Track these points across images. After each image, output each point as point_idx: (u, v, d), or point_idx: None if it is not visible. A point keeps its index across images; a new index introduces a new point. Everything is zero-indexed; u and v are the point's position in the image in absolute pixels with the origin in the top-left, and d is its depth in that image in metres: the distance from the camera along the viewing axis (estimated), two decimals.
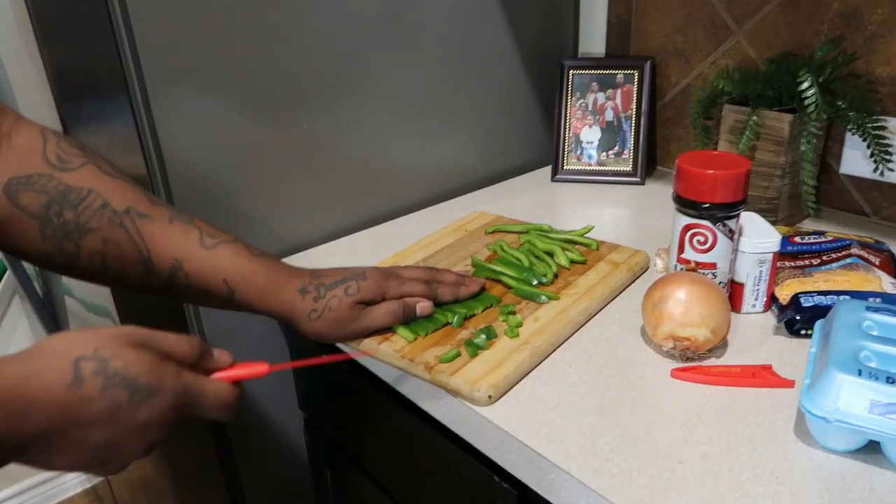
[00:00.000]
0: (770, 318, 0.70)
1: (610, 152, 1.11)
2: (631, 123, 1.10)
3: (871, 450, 0.51)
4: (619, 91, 1.11)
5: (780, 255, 0.73)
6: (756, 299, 0.71)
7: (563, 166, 1.13)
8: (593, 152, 1.12)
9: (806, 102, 0.82)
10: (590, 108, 1.12)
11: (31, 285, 1.46)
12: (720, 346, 0.65)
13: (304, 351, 0.87)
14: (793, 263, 0.75)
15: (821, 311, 0.64)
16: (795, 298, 0.67)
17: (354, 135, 0.95)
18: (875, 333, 0.56)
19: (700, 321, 0.61)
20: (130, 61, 0.74)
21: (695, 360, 0.63)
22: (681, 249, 0.69)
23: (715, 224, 0.66)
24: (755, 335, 0.68)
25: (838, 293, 0.67)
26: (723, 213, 0.65)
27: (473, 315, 0.70)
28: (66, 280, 1.36)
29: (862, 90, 0.86)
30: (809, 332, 0.65)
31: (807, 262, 0.75)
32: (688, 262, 0.69)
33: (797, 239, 0.78)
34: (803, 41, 0.92)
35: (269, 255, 0.65)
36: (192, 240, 0.61)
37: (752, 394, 0.59)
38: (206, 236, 0.61)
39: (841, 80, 0.87)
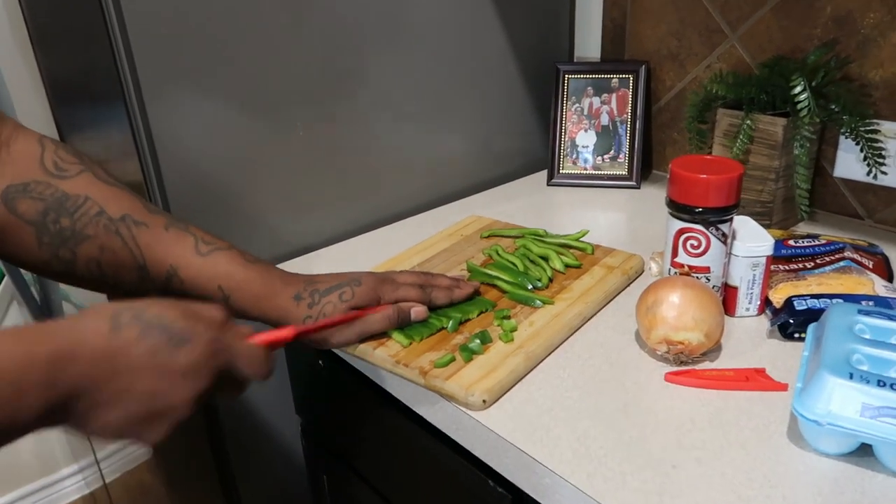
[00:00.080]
0: (764, 322, 0.71)
1: (605, 156, 1.12)
2: (626, 127, 1.11)
3: (863, 453, 0.52)
4: (614, 95, 1.11)
5: (774, 259, 0.73)
6: (750, 303, 0.71)
7: (558, 170, 1.13)
8: (589, 156, 1.12)
9: (799, 106, 0.83)
10: (585, 112, 1.12)
11: (29, 291, 1.46)
12: (714, 350, 0.66)
13: (300, 355, 0.87)
14: (786, 267, 0.75)
15: (814, 315, 0.65)
16: (789, 302, 0.68)
17: (350, 140, 0.95)
18: (867, 337, 0.56)
19: (693, 325, 0.62)
20: (126, 67, 0.74)
21: (689, 363, 0.64)
22: (674, 253, 0.69)
23: (708, 228, 0.66)
24: (749, 339, 0.68)
25: (831, 296, 0.67)
26: (716, 217, 0.66)
27: (468, 320, 0.70)
28: (63, 286, 1.36)
29: (855, 94, 0.87)
30: (803, 335, 0.65)
31: (800, 265, 0.75)
32: (681, 266, 0.69)
33: (791, 242, 0.78)
34: (797, 45, 0.93)
35: (264, 262, 0.65)
36: (187, 247, 0.61)
37: (745, 397, 0.59)
38: (201, 243, 0.62)
39: (834, 83, 0.87)
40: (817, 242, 0.78)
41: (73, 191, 0.57)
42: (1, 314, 1.54)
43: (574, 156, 1.13)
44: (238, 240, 0.68)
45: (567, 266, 0.80)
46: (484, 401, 0.59)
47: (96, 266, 0.59)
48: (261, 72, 0.83)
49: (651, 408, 0.59)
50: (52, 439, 1.58)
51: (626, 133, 1.11)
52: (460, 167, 1.12)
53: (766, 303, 0.71)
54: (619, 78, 1.10)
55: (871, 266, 0.75)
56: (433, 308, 0.70)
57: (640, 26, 1.11)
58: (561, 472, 0.52)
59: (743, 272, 0.69)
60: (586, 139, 1.12)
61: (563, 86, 1.13)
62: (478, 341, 0.65)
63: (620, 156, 1.11)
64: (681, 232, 0.68)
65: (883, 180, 0.88)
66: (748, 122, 0.87)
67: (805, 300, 0.67)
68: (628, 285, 0.79)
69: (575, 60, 1.23)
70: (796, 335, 0.67)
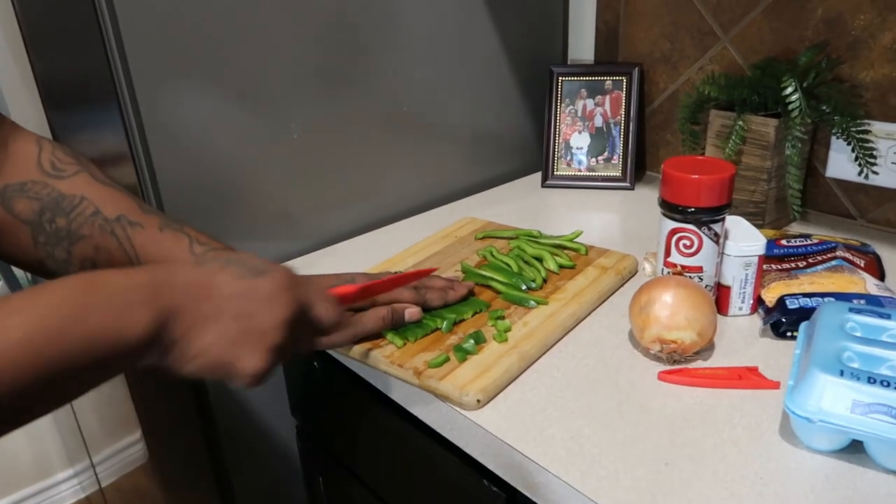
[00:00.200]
0: (756, 321, 0.71)
1: (599, 158, 1.12)
2: (620, 129, 1.11)
3: (854, 449, 0.52)
4: (607, 97, 1.12)
5: (767, 258, 0.74)
6: (743, 302, 0.71)
7: (553, 172, 1.14)
8: (583, 158, 1.13)
9: (790, 107, 0.83)
10: (579, 114, 1.13)
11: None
12: (707, 349, 0.66)
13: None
14: (779, 266, 0.76)
15: (806, 314, 0.65)
16: (781, 301, 0.68)
17: (345, 142, 0.95)
18: (858, 334, 0.57)
19: (686, 324, 0.62)
20: (120, 68, 0.74)
21: (682, 362, 0.64)
22: (667, 253, 0.70)
23: (700, 228, 0.67)
24: (742, 337, 0.69)
25: (823, 295, 0.67)
26: (708, 217, 0.66)
27: (463, 320, 0.70)
28: None
29: (846, 94, 0.87)
30: (795, 333, 0.66)
31: (793, 264, 0.75)
32: (674, 265, 0.70)
33: (784, 242, 0.79)
34: (788, 47, 0.93)
35: None
36: (181, 247, 0.61)
37: (738, 395, 0.60)
38: (196, 244, 0.62)
39: (825, 84, 0.88)
40: (809, 242, 0.78)
41: (69, 191, 0.58)
42: None
43: (568, 157, 1.13)
44: (232, 242, 0.68)
45: (561, 267, 0.80)
46: (478, 400, 0.59)
47: (91, 266, 0.59)
48: (256, 74, 0.83)
49: (644, 406, 0.59)
50: (47, 443, 1.57)
51: (620, 135, 1.11)
52: (455, 169, 1.12)
53: (758, 302, 0.72)
54: (612, 80, 1.11)
55: (862, 265, 0.75)
56: (427, 309, 0.70)
57: (634, 29, 1.12)
58: (555, 471, 0.52)
59: (735, 271, 0.70)
60: (580, 141, 1.13)
61: (557, 88, 1.13)
62: (472, 341, 0.65)
63: (614, 157, 1.12)
64: (673, 232, 0.68)
65: (874, 180, 0.89)
66: (740, 123, 0.87)
67: (797, 299, 0.67)
68: (622, 285, 0.80)
69: (569, 63, 1.23)
70: (788, 334, 0.67)
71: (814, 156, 0.94)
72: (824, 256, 0.75)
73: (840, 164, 0.92)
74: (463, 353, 0.64)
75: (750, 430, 0.55)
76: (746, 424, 0.56)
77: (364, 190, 1.00)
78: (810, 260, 0.75)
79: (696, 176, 0.65)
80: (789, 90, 0.83)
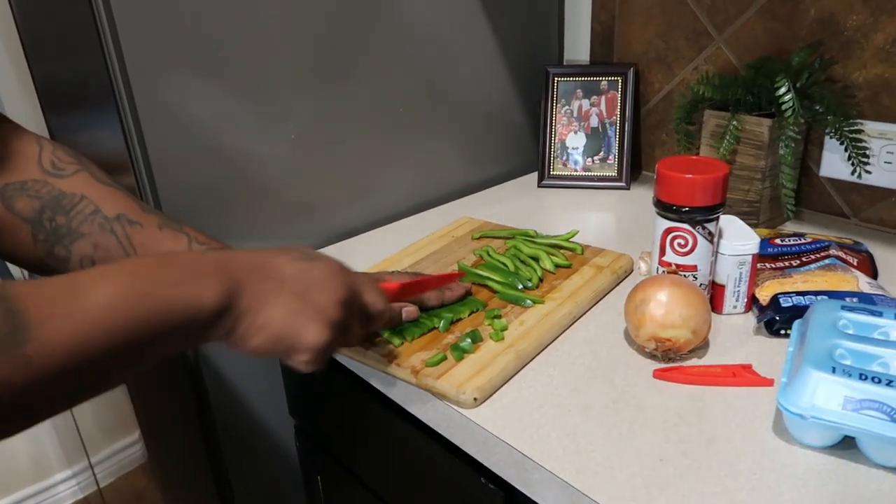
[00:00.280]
0: (751, 319, 0.72)
1: (595, 158, 1.13)
2: (615, 129, 1.12)
3: (846, 445, 0.53)
4: (603, 97, 1.12)
5: (761, 257, 0.75)
6: (737, 300, 0.72)
7: (549, 172, 1.15)
8: (579, 158, 1.14)
9: (783, 107, 0.84)
10: (575, 114, 1.13)
11: None
12: (701, 347, 0.67)
13: None
14: (773, 265, 0.76)
15: (799, 312, 0.66)
16: (775, 299, 0.69)
17: (342, 143, 0.96)
18: (850, 332, 0.57)
19: (681, 322, 0.62)
20: (118, 72, 0.74)
21: (676, 360, 0.65)
22: (662, 252, 0.70)
23: (694, 227, 0.67)
24: (736, 335, 0.69)
25: (816, 293, 0.68)
26: (702, 216, 0.67)
27: (459, 319, 0.71)
28: None
29: (839, 94, 0.88)
30: (789, 331, 0.66)
31: (786, 263, 0.76)
32: (669, 264, 0.70)
33: (778, 241, 0.80)
34: (782, 47, 0.94)
35: None
36: (180, 246, 0.61)
37: (732, 393, 0.60)
38: (195, 243, 0.62)
39: (818, 84, 0.88)
40: (803, 241, 0.79)
41: (69, 189, 0.58)
42: None
43: (564, 157, 1.14)
44: (230, 242, 0.69)
45: (557, 266, 0.81)
46: (475, 399, 0.60)
47: (90, 264, 0.59)
48: (254, 75, 0.84)
49: (639, 404, 0.60)
50: (46, 443, 1.58)
51: (616, 135, 1.12)
52: (452, 169, 1.13)
53: (752, 300, 0.72)
54: (607, 80, 1.12)
55: (855, 263, 0.76)
56: (425, 309, 0.70)
57: (629, 29, 1.12)
58: (550, 468, 0.53)
59: (730, 270, 0.71)
60: (576, 141, 1.13)
61: (553, 88, 1.14)
62: (469, 340, 0.66)
63: (610, 157, 1.12)
64: (668, 231, 0.69)
65: (867, 179, 0.89)
66: (734, 122, 0.88)
67: (791, 297, 0.68)
68: (618, 284, 0.80)
69: (564, 63, 1.24)
70: (782, 332, 0.68)
71: (807, 155, 0.95)
72: (818, 255, 0.76)
73: (833, 163, 0.93)
74: (460, 352, 0.65)
75: (744, 427, 0.56)
76: (740, 421, 0.57)
77: (362, 190, 1.00)
78: (804, 258, 0.76)
79: (690, 176, 0.66)
80: (782, 90, 0.84)
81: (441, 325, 0.69)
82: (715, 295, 0.72)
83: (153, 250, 0.60)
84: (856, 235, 0.87)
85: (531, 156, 1.23)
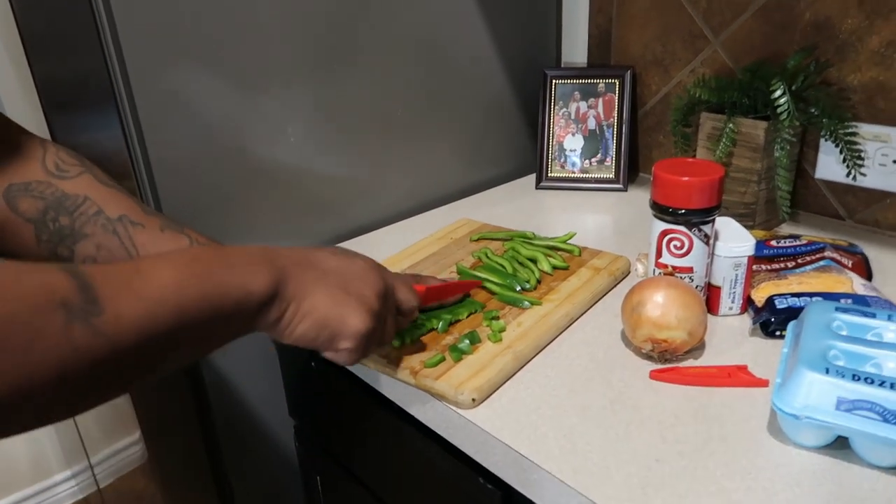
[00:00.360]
0: (746, 320, 0.72)
1: (593, 160, 1.14)
2: (613, 131, 1.12)
3: (840, 445, 0.53)
4: (600, 100, 1.13)
5: (757, 259, 0.75)
6: (733, 302, 0.73)
7: (547, 174, 1.15)
8: (576, 160, 1.14)
9: (779, 110, 0.85)
10: (572, 116, 1.14)
11: None
12: (698, 348, 0.67)
13: (291, 352, 0.89)
14: (769, 266, 0.77)
15: (794, 313, 0.66)
16: (770, 300, 0.69)
17: (341, 145, 0.96)
18: (844, 333, 0.58)
19: (677, 324, 0.63)
20: (118, 73, 0.75)
21: (673, 361, 0.65)
22: (658, 254, 0.71)
23: (690, 229, 0.68)
24: (732, 337, 0.70)
25: (811, 295, 0.69)
26: (698, 218, 0.67)
27: (458, 321, 0.71)
28: None
29: (834, 97, 0.89)
30: (784, 332, 0.67)
31: (782, 265, 0.77)
32: (665, 266, 0.71)
33: (773, 243, 0.80)
34: (778, 50, 0.95)
35: None
36: (182, 247, 0.62)
37: (727, 393, 0.61)
38: (195, 245, 0.63)
39: (814, 87, 0.89)
40: (799, 243, 0.80)
41: (72, 191, 0.59)
42: None
43: (562, 159, 1.15)
44: (230, 243, 0.69)
45: (555, 268, 0.82)
46: (473, 399, 0.60)
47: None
48: (254, 76, 0.84)
49: (636, 405, 0.60)
50: (45, 444, 1.58)
51: (613, 137, 1.12)
52: (450, 171, 1.13)
53: (748, 302, 0.73)
54: (605, 83, 1.12)
55: (850, 265, 0.76)
56: (423, 310, 0.71)
57: (626, 32, 1.13)
58: (548, 468, 0.54)
59: (725, 272, 0.71)
60: (574, 143, 1.14)
61: (551, 91, 1.15)
62: (467, 342, 0.67)
63: (607, 159, 1.13)
64: (664, 233, 0.70)
65: (862, 181, 0.90)
66: (731, 125, 0.89)
67: (786, 299, 0.69)
68: (615, 286, 0.81)
69: (562, 66, 1.25)
70: (777, 333, 0.68)
71: (803, 158, 0.96)
72: (813, 257, 0.77)
73: (829, 165, 0.93)
74: (458, 353, 0.65)
75: (739, 427, 0.57)
76: (736, 421, 0.57)
77: (361, 191, 1.01)
78: (799, 260, 0.77)
79: (686, 178, 0.67)
80: (778, 93, 0.85)
81: (440, 326, 0.70)
82: (711, 296, 0.73)
83: (155, 251, 0.61)
84: (851, 237, 0.88)
85: (529, 158, 1.24)
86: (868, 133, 0.88)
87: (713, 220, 0.69)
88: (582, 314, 0.75)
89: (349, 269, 0.55)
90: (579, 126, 1.14)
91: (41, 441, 1.57)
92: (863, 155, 0.87)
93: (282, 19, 0.85)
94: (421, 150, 1.07)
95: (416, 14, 0.99)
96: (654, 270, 0.73)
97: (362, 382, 0.72)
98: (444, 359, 0.65)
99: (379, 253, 0.91)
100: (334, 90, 0.93)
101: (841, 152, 0.87)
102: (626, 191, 1.12)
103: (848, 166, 0.87)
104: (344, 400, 0.81)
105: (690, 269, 0.70)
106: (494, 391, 0.63)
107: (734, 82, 0.93)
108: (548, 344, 0.70)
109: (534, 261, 0.83)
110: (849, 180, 0.90)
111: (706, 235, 0.69)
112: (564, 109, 1.14)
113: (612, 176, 1.13)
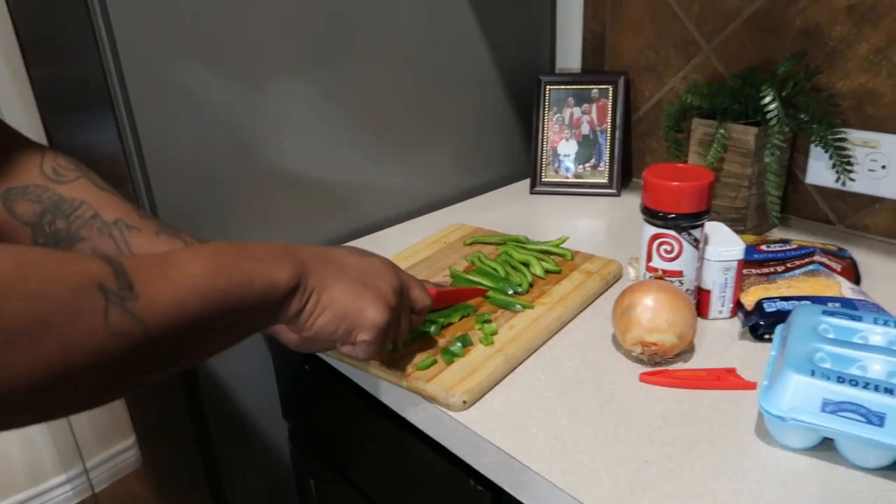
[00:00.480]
0: (736, 324, 0.73)
1: (586, 165, 1.14)
2: (606, 137, 1.13)
3: (825, 447, 0.54)
4: (594, 105, 1.14)
5: (747, 263, 0.76)
6: (722, 305, 0.73)
7: (540, 179, 1.16)
8: (570, 165, 1.15)
9: (768, 116, 0.86)
10: (566, 122, 1.15)
11: None
12: (687, 351, 0.68)
13: (285, 355, 0.89)
14: (759, 271, 0.78)
15: (783, 316, 0.67)
16: (759, 304, 0.70)
17: (335, 150, 0.97)
18: (830, 336, 0.59)
19: (666, 327, 0.64)
20: (115, 76, 0.75)
21: (662, 364, 0.66)
22: (649, 258, 0.72)
23: (680, 233, 0.69)
24: (721, 340, 0.70)
25: (800, 299, 0.69)
26: (687, 223, 0.68)
27: (450, 324, 0.72)
28: None
29: (823, 103, 0.90)
30: (772, 336, 0.68)
31: (771, 269, 0.77)
32: (656, 270, 0.72)
33: (763, 247, 0.81)
34: (768, 56, 0.96)
35: None
36: None
37: (716, 396, 0.62)
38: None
39: (804, 93, 0.90)
40: (788, 247, 0.81)
41: (69, 195, 0.60)
42: None
43: (556, 164, 1.16)
44: None
45: (547, 271, 0.82)
46: (464, 402, 0.61)
47: None
48: (251, 79, 0.85)
49: (626, 407, 0.61)
50: (40, 448, 1.58)
51: (607, 142, 1.13)
52: (444, 176, 1.14)
53: (737, 305, 0.74)
54: (599, 88, 1.13)
55: (839, 269, 0.77)
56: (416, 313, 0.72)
57: (620, 38, 1.14)
58: (538, 469, 0.54)
59: (715, 276, 0.72)
60: (567, 148, 1.15)
61: (545, 96, 1.15)
62: (459, 344, 0.67)
63: (601, 164, 1.14)
64: (654, 237, 0.70)
65: (852, 187, 0.91)
66: (721, 131, 0.90)
67: (775, 302, 0.70)
68: (606, 290, 0.82)
69: (556, 71, 1.25)
70: (766, 336, 0.69)
71: (793, 163, 0.97)
72: (802, 261, 0.78)
73: (819, 171, 0.94)
74: (450, 356, 0.66)
75: (727, 430, 0.57)
76: (724, 424, 0.58)
77: (355, 196, 1.01)
78: (788, 265, 0.77)
79: (676, 183, 0.67)
80: (768, 99, 0.86)
81: (432, 329, 0.70)
82: (701, 300, 0.73)
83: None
84: (841, 242, 0.89)
85: (523, 163, 1.25)
86: (857, 139, 0.89)
87: (702, 225, 0.70)
88: (574, 317, 0.76)
89: (366, 266, 0.57)
90: (573, 131, 1.15)
91: (36, 445, 1.57)
92: (852, 160, 0.88)
93: (281, 21, 0.85)
94: (415, 154, 1.08)
95: (412, 19, 1.00)
96: (644, 274, 0.73)
97: (355, 385, 0.73)
98: (435, 361, 0.66)
99: None
100: (329, 97, 0.94)
101: (830, 158, 0.87)
102: (619, 196, 1.13)
103: (837, 172, 0.88)
104: (337, 402, 0.81)
105: (680, 273, 0.71)
106: (485, 393, 0.63)
107: (725, 88, 0.94)
108: (539, 347, 0.70)
109: (526, 265, 0.83)
110: (838, 185, 0.91)
111: (695, 239, 0.69)
112: (558, 115, 1.15)
113: (605, 181, 1.13)
